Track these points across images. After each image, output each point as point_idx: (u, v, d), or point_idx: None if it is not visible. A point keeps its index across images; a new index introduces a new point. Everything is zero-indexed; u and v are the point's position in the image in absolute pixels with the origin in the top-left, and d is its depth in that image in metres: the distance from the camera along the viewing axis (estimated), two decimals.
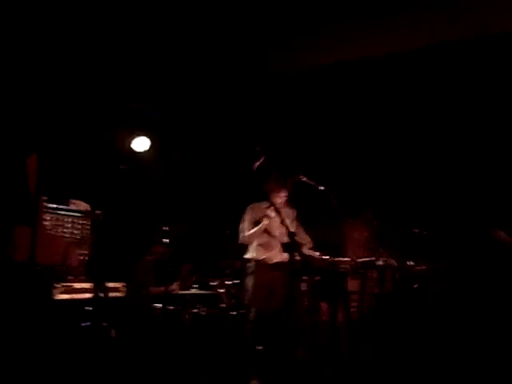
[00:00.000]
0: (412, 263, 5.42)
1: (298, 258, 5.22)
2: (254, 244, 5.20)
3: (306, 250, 5.27)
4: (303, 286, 5.50)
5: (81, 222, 4.44)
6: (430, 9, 4.64)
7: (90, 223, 4.49)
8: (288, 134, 6.36)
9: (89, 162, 5.52)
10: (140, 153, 5.76)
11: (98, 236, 4.54)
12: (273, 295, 4.97)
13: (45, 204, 3.97)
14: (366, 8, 4.65)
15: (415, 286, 5.43)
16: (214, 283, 5.53)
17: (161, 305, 4.97)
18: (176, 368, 4.50)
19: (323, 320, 5.64)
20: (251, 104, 6.15)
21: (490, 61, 5.26)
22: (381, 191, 6.23)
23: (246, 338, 4.84)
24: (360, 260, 5.37)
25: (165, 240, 5.35)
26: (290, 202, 5.34)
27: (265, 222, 5.06)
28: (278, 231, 5.16)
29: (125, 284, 4.57)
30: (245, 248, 5.28)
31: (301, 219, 5.55)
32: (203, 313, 5.08)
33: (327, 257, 5.32)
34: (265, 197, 4.99)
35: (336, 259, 5.35)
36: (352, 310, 5.43)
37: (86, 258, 4.32)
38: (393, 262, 5.40)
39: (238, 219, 5.27)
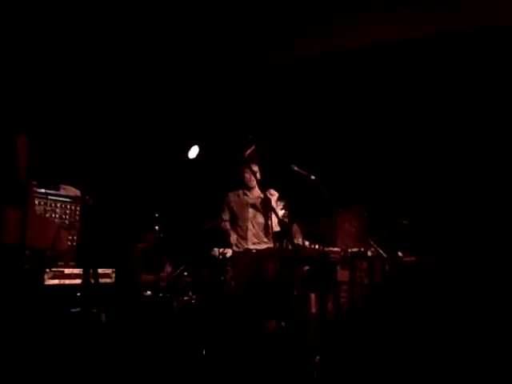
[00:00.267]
0: (401, 254, 5.45)
1: (289, 247, 5.28)
2: (234, 232, 5.23)
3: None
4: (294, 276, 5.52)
5: (70, 207, 4.42)
6: None
7: (79, 209, 4.46)
8: (280, 124, 6.35)
9: (79, 146, 5.50)
10: (133, 139, 5.74)
11: (88, 222, 4.53)
12: (255, 282, 4.98)
13: (35, 189, 3.94)
14: None
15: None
16: (204, 271, 5.53)
17: (150, 292, 4.96)
18: (166, 356, 4.50)
19: (312, 310, 5.68)
20: (245, 92, 6.13)
21: (497, 52, 5.25)
22: (371, 182, 6.25)
23: (235, 326, 4.85)
24: (350, 250, 5.40)
25: (156, 227, 5.35)
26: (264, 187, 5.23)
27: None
28: (254, 218, 5.16)
29: (115, 270, 4.55)
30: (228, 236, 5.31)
31: (291, 208, 5.57)
32: (193, 301, 5.08)
33: (317, 246, 5.33)
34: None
35: (326, 249, 5.37)
36: (342, 300, 5.45)
37: (75, 244, 4.30)
38: (382, 252, 5.43)
39: None
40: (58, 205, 4.33)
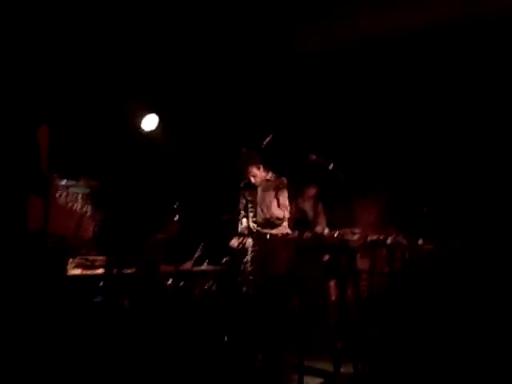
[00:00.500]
0: (421, 242, 5.43)
1: (308, 235, 5.29)
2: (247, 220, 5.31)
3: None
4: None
5: (90, 198, 4.47)
6: None
7: (99, 199, 4.52)
8: (298, 113, 6.35)
9: (100, 139, 5.56)
10: (150, 131, 5.78)
11: (108, 212, 4.59)
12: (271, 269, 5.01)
13: (56, 180, 3.99)
14: None
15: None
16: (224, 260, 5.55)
17: (171, 281, 5.01)
18: (187, 343, 4.54)
19: (332, 298, 5.69)
20: (262, 83, 6.14)
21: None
22: (391, 170, 6.21)
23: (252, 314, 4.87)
24: (369, 238, 5.39)
25: (176, 217, 5.38)
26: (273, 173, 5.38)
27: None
28: (265, 206, 5.25)
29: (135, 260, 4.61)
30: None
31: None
32: (213, 288, 5.11)
33: (336, 234, 5.33)
34: None
35: (345, 236, 5.37)
36: (361, 288, 5.44)
37: (97, 234, 4.36)
38: (403, 240, 5.41)
39: None
40: (79, 196, 4.38)
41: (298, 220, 5.41)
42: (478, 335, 4.67)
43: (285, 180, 5.32)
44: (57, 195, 3.80)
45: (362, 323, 4.99)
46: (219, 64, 5.95)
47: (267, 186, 5.30)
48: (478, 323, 4.83)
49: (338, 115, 6.40)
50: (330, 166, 5.05)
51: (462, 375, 3.96)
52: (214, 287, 5.10)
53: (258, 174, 5.27)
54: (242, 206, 5.42)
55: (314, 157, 5.07)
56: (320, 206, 6.26)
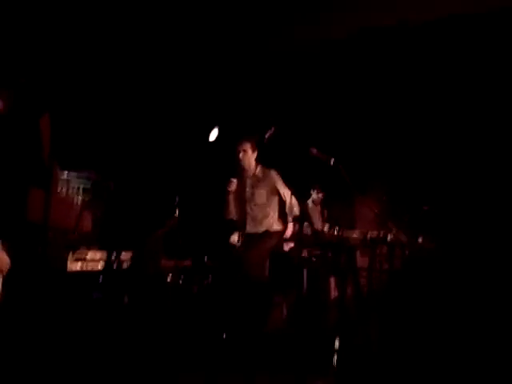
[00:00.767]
0: (421, 240, 5.42)
1: (308, 231, 5.29)
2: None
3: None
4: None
5: (92, 191, 4.46)
6: None
7: (100, 192, 4.51)
8: (299, 108, 6.34)
9: (100, 131, 5.55)
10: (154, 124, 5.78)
11: (109, 206, 4.58)
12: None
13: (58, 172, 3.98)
14: None
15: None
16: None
17: (171, 276, 5.00)
18: (186, 339, 4.52)
19: (332, 295, 5.68)
20: (263, 77, 6.13)
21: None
22: (391, 167, 6.21)
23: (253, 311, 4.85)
24: (370, 235, 5.39)
25: (176, 212, 5.36)
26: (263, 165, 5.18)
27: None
28: (252, 199, 5.08)
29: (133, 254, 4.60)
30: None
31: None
32: (211, 284, 5.10)
33: (336, 231, 5.33)
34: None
35: (345, 234, 5.37)
36: (361, 285, 5.44)
37: (97, 227, 4.34)
38: (403, 237, 5.41)
39: None
40: (80, 189, 4.38)
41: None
42: (478, 333, 4.67)
43: (274, 172, 5.11)
44: (58, 187, 3.79)
45: (362, 321, 4.99)
46: (220, 59, 5.95)
47: (257, 181, 5.06)
48: (478, 321, 4.83)
49: (338, 111, 6.40)
50: (331, 161, 5.04)
51: (462, 373, 3.95)
52: (212, 283, 5.08)
53: (248, 152, 5.00)
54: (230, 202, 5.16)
55: (314, 151, 5.06)
56: (326, 213, 6.23)
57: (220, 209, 5.49)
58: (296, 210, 5.05)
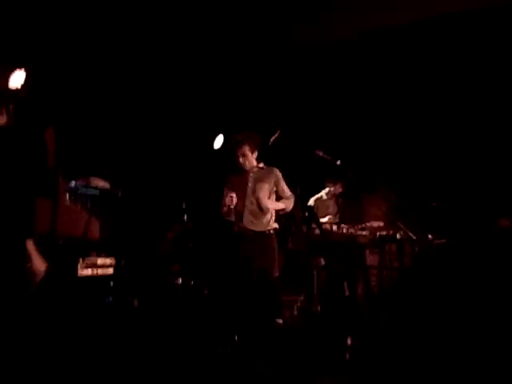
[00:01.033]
0: (431, 237, 5.41)
1: (316, 231, 5.29)
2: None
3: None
4: (322, 261, 5.53)
5: (100, 199, 4.49)
6: None
7: (108, 200, 4.54)
8: (304, 109, 6.35)
9: (107, 139, 5.60)
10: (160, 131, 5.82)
11: (117, 213, 4.61)
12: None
13: (64, 181, 4.02)
14: None
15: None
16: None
17: (181, 279, 5.03)
18: (198, 342, 4.55)
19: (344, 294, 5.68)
20: (268, 78, 6.14)
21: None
22: (399, 165, 6.20)
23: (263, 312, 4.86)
24: (379, 233, 5.39)
25: (184, 216, 5.39)
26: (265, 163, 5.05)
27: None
28: (254, 198, 4.92)
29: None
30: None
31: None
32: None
33: (345, 230, 5.34)
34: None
35: (354, 232, 5.38)
36: (372, 284, 5.45)
37: (106, 235, 4.38)
38: (412, 235, 5.40)
39: None
40: (88, 197, 4.40)
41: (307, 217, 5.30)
42: (491, 331, 4.64)
43: (277, 170, 5.00)
44: (66, 197, 3.83)
45: (372, 319, 4.99)
46: (224, 62, 5.96)
47: (260, 175, 4.94)
48: (491, 318, 4.80)
49: (345, 111, 6.40)
50: (338, 162, 5.04)
51: (474, 370, 3.93)
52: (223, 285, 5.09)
53: (248, 155, 4.86)
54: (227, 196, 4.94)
55: (321, 153, 5.06)
56: (342, 203, 6.22)
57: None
58: (289, 203, 5.00)
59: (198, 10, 5.23)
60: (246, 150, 4.85)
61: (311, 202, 6.28)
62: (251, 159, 4.90)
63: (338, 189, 6.30)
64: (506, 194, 5.65)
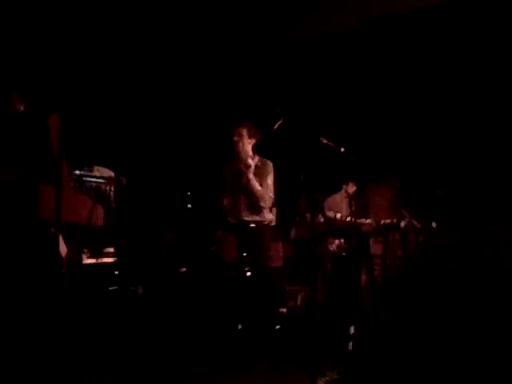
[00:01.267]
0: (435, 225, 5.40)
1: (321, 220, 5.29)
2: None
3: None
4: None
5: (104, 188, 4.48)
6: None
7: (113, 189, 4.53)
8: (309, 96, 6.32)
9: (112, 128, 5.60)
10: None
11: (122, 202, 4.61)
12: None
13: (69, 168, 4.02)
14: None
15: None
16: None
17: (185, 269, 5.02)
18: (202, 332, 4.56)
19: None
20: (272, 66, 6.11)
21: None
22: (404, 152, 6.17)
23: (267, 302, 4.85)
24: (383, 222, 5.39)
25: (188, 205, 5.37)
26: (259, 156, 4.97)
27: None
28: (248, 186, 4.84)
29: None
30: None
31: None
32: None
33: (349, 219, 5.34)
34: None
35: (358, 221, 5.38)
36: (375, 272, 5.45)
37: (110, 223, 4.37)
38: (416, 223, 5.40)
39: None
40: (93, 186, 4.39)
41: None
42: (496, 323, 4.64)
43: (271, 163, 4.93)
44: (70, 184, 3.83)
45: (376, 308, 5.00)
46: (231, 47, 5.93)
47: (255, 172, 4.85)
48: (496, 308, 4.79)
49: (349, 99, 6.36)
50: (342, 150, 5.02)
51: (478, 363, 3.93)
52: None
53: (244, 138, 4.79)
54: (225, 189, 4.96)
55: (325, 140, 5.04)
56: (355, 204, 6.11)
57: None
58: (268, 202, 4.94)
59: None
60: (244, 131, 4.78)
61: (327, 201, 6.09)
62: (246, 143, 4.81)
63: (351, 188, 6.15)
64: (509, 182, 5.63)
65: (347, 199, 6.08)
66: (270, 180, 4.88)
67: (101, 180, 4.52)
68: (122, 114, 5.87)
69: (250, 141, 4.84)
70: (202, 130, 6.37)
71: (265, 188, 4.83)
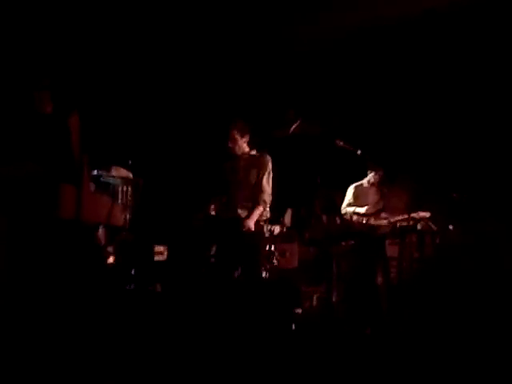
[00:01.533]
0: (452, 227, 5.38)
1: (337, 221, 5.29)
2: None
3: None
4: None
5: (122, 188, 4.51)
6: None
7: (131, 190, 4.56)
8: (324, 99, 6.31)
9: (130, 129, 5.65)
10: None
11: (139, 202, 4.65)
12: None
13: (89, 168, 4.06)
14: None
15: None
16: None
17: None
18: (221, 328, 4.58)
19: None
20: (288, 68, 6.12)
21: None
22: (420, 155, 6.15)
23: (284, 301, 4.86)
24: (399, 224, 5.37)
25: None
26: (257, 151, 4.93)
27: None
28: (245, 179, 4.78)
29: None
30: None
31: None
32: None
33: (365, 220, 5.33)
34: None
35: (374, 223, 5.37)
36: (391, 274, 5.44)
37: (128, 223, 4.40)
38: (432, 226, 5.38)
39: None
40: (110, 186, 4.43)
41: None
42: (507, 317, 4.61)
43: (268, 158, 4.83)
44: (90, 184, 3.86)
45: (392, 310, 4.99)
46: (245, 46, 5.93)
47: (250, 162, 4.82)
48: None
49: (365, 101, 6.35)
50: (358, 152, 5.02)
51: (493, 360, 3.91)
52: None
53: (238, 140, 4.75)
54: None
55: (341, 143, 5.05)
56: (385, 191, 5.99)
57: None
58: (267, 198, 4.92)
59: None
60: (235, 134, 4.75)
61: (351, 188, 5.83)
62: (241, 143, 4.79)
63: (378, 176, 5.99)
64: None
65: (374, 186, 5.89)
66: (267, 174, 4.77)
67: (118, 180, 4.55)
68: (139, 116, 5.93)
69: (243, 140, 4.85)
70: (220, 132, 6.40)
71: (265, 182, 4.74)
